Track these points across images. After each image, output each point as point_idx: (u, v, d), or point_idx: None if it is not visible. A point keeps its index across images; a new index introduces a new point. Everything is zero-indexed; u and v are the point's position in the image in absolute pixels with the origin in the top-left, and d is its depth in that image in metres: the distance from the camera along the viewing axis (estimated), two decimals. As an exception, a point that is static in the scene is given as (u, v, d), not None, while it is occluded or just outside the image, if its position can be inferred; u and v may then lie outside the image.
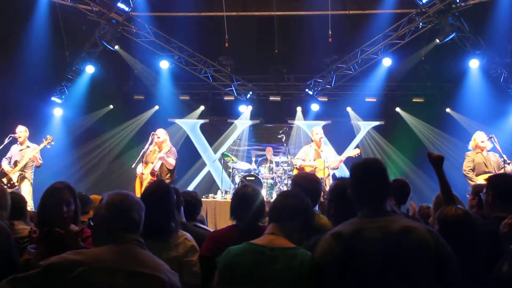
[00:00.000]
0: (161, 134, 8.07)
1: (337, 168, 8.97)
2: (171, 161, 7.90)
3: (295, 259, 2.41)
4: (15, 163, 8.55)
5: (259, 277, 2.40)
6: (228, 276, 2.48)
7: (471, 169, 7.79)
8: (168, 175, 7.97)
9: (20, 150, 8.66)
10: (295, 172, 8.89)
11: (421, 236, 2.26)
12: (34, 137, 8.98)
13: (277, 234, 2.55)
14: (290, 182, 10.06)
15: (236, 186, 10.18)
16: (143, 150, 8.02)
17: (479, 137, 7.91)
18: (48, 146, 8.79)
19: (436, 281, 2.25)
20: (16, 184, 8.45)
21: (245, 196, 3.36)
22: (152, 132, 8.12)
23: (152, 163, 7.94)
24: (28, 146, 8.70)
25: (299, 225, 2.61)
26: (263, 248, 2.47)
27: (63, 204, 3.21)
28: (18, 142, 8.73)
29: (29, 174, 8.66)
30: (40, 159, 8.69)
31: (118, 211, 2.41)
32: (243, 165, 10.66)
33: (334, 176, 9.16)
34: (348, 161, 9.37)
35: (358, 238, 2.28)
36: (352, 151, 8.92)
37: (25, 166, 8.56)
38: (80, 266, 2.20)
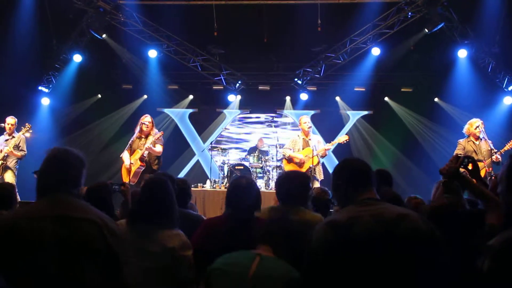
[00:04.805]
0: (149, 122, 8.10)
1: (325, 155, 8.97)
2: (158, 148, 8.03)
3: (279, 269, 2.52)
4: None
5: None
6: None
7: None
8: (156, 161, 8.16)
9: (6, 140, 8.61)
10: (284, 162, 8.88)
11: (415, 223, 2.27)
12: (21, 127, 8.88)
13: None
14: (279, 171, 10.13)
15: (225, 175, 10.18)
16: (132, 138, 8.03)
17: (474, 124, 7.95)
18: (28, 135, 8.72)
19: (428, 269, 2.25)
20: None
21: (241, 186, 3.39)
22: (141, 121, 8.09)
23: (140, 149, 7.97)
24: (13, 137, 8.64)
25: (289, 247, 2.66)
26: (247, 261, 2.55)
27: None
28: (5, 132, 8.68)
29: (13, 164, 8.56)
30: (21, 150, 8.60)
31: (54, 166, 2.44)
32: (232, 155, 10.64)
33: (323, 164, 9.17)
34: (336, 149, 9.40)
35: (352, 226, 2.27)
36: (340, 137, 8.89)
37: (7, 156, 8.49)
38: (13, 220, 2.29)
